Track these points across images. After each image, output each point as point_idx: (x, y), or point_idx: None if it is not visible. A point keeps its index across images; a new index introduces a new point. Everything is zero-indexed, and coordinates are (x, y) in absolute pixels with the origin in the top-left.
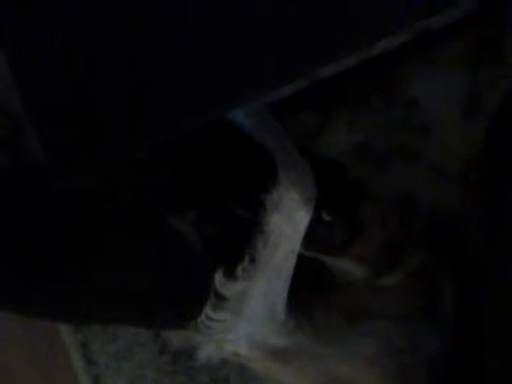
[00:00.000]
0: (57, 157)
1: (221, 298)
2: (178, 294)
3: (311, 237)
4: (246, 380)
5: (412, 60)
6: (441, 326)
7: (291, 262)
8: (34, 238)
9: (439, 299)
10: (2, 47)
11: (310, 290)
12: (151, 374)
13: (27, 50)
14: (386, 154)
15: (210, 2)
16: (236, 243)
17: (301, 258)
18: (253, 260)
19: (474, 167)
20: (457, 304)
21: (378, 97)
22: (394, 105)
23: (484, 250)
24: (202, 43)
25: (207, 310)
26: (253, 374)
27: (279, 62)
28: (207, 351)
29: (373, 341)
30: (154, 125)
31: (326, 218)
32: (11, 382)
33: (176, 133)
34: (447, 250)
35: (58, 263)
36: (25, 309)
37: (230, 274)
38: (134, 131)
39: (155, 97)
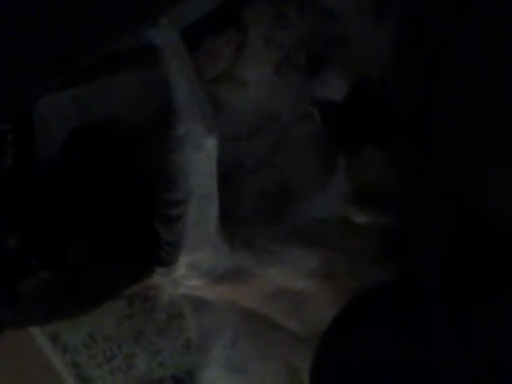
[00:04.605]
0: None
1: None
2: None
3: None
4: (200, 310)
5: None
6: None
7: (213, 185)
8: None
9: None
10: None
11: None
12: (109, 321)
13: None
14: (306, 67)
15: None
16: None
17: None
18: (179, 190)
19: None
20: None
21: (292, 11)
22: (308, 16)
23: None
24: None
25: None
26: (205, 304)
27: None
28: (166, 291)
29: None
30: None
31: None
32: None
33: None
34: None
35: None
36: None
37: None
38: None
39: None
